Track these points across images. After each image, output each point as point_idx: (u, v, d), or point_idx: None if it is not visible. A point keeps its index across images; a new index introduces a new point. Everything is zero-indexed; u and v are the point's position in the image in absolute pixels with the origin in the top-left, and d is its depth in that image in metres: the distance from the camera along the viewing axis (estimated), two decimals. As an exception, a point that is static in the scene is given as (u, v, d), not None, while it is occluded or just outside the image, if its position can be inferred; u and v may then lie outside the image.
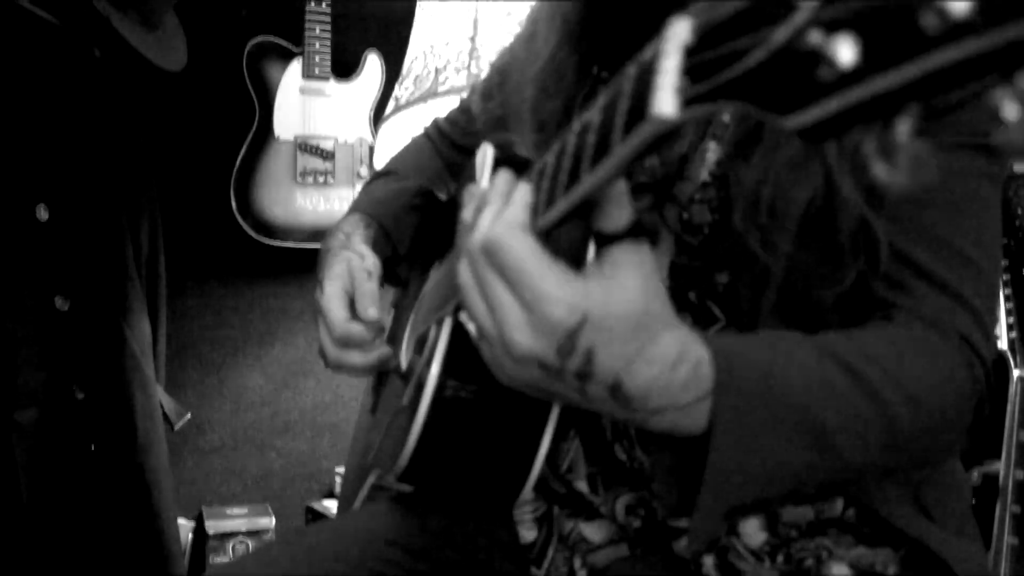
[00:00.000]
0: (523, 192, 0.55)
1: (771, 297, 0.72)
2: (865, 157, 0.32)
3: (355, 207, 1.06)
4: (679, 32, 0.40)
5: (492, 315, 0.53)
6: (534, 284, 0.51)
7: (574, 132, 0.50)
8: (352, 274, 0.92)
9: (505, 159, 0.85)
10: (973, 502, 1.60)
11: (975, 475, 1.70)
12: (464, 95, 1.17)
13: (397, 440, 0.80)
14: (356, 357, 0.90)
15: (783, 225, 0.69)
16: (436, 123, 1.19)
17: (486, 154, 0.83)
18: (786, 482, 0.61)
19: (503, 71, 1.01)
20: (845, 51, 0.31)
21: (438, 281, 0.87)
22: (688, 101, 0.40)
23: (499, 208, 0.55)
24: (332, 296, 0.91)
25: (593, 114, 0.49)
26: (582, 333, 0.51)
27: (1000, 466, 1.67)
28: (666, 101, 0.40)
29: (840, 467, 0.62)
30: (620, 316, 0.51)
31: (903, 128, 0.32)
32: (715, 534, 0.60)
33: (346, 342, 0.89)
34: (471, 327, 0.57)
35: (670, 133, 0.42)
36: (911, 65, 0.30)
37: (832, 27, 0.31)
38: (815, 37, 0.32)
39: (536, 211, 0.54)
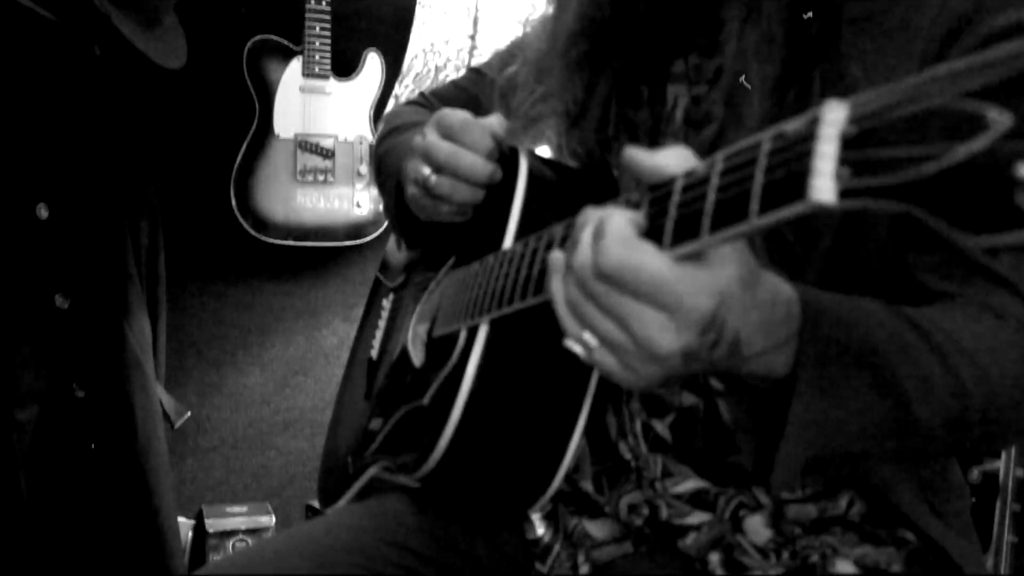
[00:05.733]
0: (621, 212, 0.55)
1: None
2: None
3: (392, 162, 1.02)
4: (837, 119, 0.40)
5: (625, 330, 0.54)
6: (674, 288, 0.52)
7: (677, 188, 0.52)
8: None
9: (539, 167, 0.85)
10: (973, 501, 1.60)
11: (975, 474, 1.70)
12: (457, 74, 1.15)
13: (418, 441, 0.80)
14: (471, 158, 0.84)
15: (822, 221, 0.70)
16: (424, 94, 1.16)
17: (521, 163, 0.84)
18: (863, 436, 0.63)
19: (519, 50, 0.99)
20: None
21: (462, 283, 0.87)
22: (846, 192, 0.40)
23: (596, 228, 0.55)
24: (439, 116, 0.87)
25: (707, 173, 0.49)
26: (720, 310, 0.53)
27: (1000, 465, 1.67)
28: (826, 188, 0.40)
29: (910, 426, 0.64)
30: (738, 279, 0.53)
31: None
32: (792, 482, 0.62)
33: (462, 131, 0.85)
34: (578, 349, 0.57)
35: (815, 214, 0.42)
36: None
37: None
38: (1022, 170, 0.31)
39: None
